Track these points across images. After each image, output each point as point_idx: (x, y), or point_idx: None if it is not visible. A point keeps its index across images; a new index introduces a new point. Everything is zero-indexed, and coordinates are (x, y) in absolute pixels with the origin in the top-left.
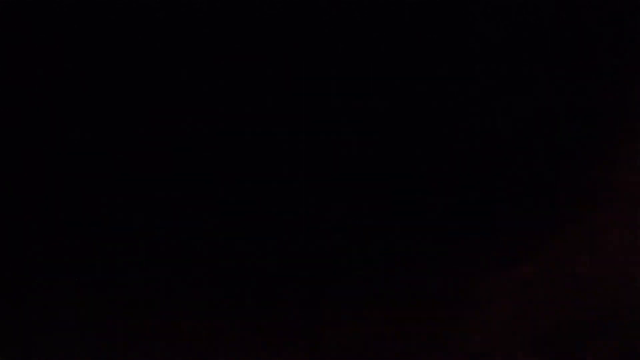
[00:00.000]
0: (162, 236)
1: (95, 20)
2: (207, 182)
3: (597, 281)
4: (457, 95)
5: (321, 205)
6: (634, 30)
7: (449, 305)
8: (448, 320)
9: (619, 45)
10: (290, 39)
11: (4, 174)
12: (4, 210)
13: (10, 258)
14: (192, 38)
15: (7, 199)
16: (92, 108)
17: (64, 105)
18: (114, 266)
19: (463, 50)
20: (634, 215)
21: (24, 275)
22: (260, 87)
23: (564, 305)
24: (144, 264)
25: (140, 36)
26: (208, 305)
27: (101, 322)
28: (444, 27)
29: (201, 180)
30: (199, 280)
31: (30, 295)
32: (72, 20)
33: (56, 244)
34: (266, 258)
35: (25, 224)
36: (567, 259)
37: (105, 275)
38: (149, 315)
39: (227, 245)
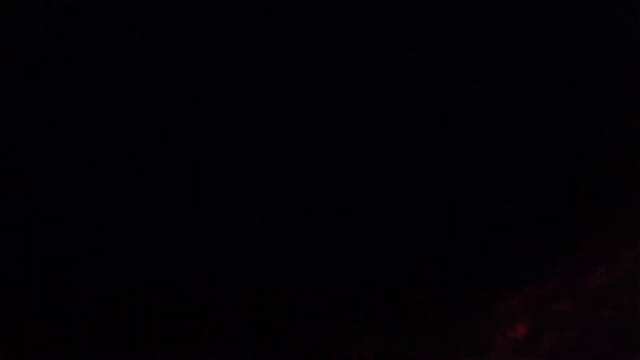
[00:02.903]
0: (163, 238)
1: (97, 20)
2: (207, 184)
3: (615, 295)
4: (468, 108)
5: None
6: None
7: (468, 323)
8: (467, 338)
9: (624, 47)
10: (292, 39)
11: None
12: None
13: (10, 258)
14: (193, 36)
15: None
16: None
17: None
18: (112, 269)
19: (476, 52)
20: None
21: (24, 274)
22: (265, 85)
23: (583, 320)
24: (145, 266)
25: (142, 36)
26: (208, 308)
27: (100, 322)
28: (454, 27)
29: (201, 182)
30: (199, 283)
31: (29, 295)
32: (72, 20)
33: (55, 245)
34: (271, 260)
35: (24, 224)
36: (584, 275)
37: (104, 278)
38: (148, 318)
39: (232, 248)
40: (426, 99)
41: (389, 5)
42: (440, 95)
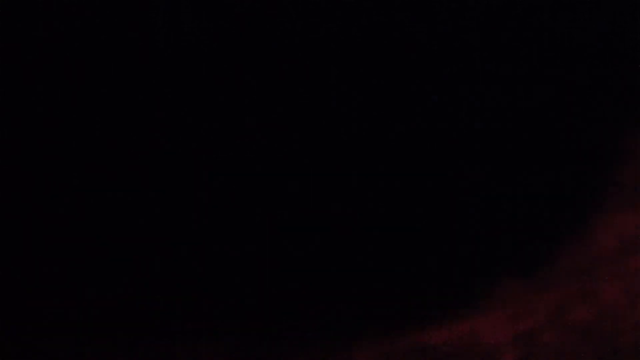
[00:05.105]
0: (162, 239)
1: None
2: (207, 184)
3: (597, 330)
4: (468, 108)
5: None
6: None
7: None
8: None
9: (624, 46)
10: (292, 39)
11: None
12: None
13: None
14: (195, 37)
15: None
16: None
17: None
18: (112, 269)
19: (476, 52)
20: (630, 263)
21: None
22: (265, 85)
23: (569, 352)
24: (142, 267)
25: (142, 36)
26: (207, 308)
27: (98, 323)
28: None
29: (200, 183)
30: (198, 282)
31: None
32: (73, 20)
33: (55, 245)
34: (270, 259)
35: (25, 223)
36: (567, 309)
37: (103, 278)
38: (147, 317)
39: (229, 249)
40: (426, 98)
41: (389, 5)
42: (441, 95)
